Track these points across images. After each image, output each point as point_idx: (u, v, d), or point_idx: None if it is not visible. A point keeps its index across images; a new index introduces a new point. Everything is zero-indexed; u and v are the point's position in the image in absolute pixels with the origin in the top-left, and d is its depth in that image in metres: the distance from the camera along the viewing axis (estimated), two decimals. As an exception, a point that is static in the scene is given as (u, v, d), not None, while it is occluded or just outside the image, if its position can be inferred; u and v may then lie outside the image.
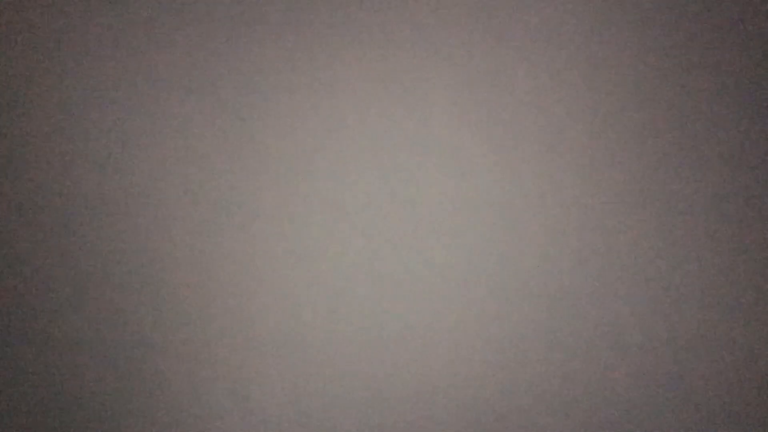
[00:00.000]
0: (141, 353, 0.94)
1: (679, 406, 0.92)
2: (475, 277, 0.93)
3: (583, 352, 0.92)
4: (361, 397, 0.94)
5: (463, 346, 0.93)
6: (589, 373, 0.92)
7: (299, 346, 0.94)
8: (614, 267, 0.92)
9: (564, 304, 0.93)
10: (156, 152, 0.95)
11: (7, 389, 0.95)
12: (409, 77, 0.94)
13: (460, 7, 0.94)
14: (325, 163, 0.94)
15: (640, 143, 0.93)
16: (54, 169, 0.95)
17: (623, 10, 0.93)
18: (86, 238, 0.95)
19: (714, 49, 0.92)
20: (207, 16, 0.95)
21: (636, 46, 0.93)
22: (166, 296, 0.94)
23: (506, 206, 0.93)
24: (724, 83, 0.92)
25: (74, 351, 0.95)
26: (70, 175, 0.95)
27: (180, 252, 0.94)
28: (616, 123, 0.93)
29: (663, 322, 0.92)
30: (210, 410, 0.94)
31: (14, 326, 0.95)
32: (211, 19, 0.95)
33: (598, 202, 0.93)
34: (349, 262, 0.94)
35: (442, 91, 0.94)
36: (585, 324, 0.92)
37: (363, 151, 0.94)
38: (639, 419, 0.92)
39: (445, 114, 0.94)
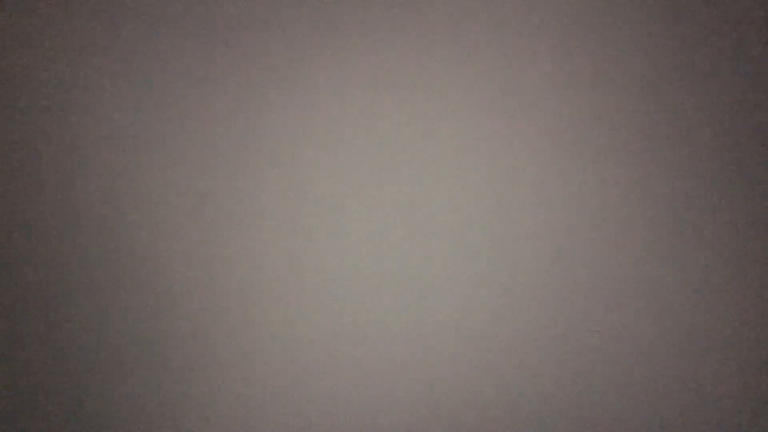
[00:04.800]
0: (142, 353, 0.94)
1: (679, 406, 0.92)
2: (475, 277, 0.93)
3: (583, 352, 0.93)
4: (361, 397, 0.94)
5: (464, 346, 0.93)
6: (590, 373, 0.93)
7: (301, 346, 0.94)
8: (615, 267, 0.93)
9: (564, 304, 0.93)
10: (157, 153, 0.95)
11: (7, 389, 0.95)
12: (410, 78, 0.94)
13: (462, 7, 0.94)
14: (327, 163, 0.94)
15: (642, 143, 0.93)
16: (56, 170, 0.95)
17: (625, 10, 0.93)
18: (88, 239, 0.95)
19: (714, 48, 0.93)
20: (209, 16, 0.95)
21: (637, 45, 0.93)
22: (167, 297, 0.94)
23: (507, 206, 0.93)
24: (724, 83, 0.92)
25: (75, 351, 0.95)
26: (72, 175, 0.95)
27: (181, 252, 0.94)
28: (617, 124, 0.93)
29: (664, 323, 0.92)
30: (210, 410, 0.94)
31: (15, 326, 0.95)
32: (213, 19, 0.95)
33: (600, 202, 0.93)
34: (350, 262, 0.94)
35: (444, 92, 0.94)
36: (586, 324, 0.93)
37: (365, 152, 0.94)
38: (640, 419, 0.92)
39: (447, 114, 0.94)
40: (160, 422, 0.94)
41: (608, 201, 0.93)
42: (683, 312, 0.92)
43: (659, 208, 0.93)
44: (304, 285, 0.94)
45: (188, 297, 0.94)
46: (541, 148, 0.93)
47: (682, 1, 0.93)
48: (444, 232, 0.94)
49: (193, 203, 0.95)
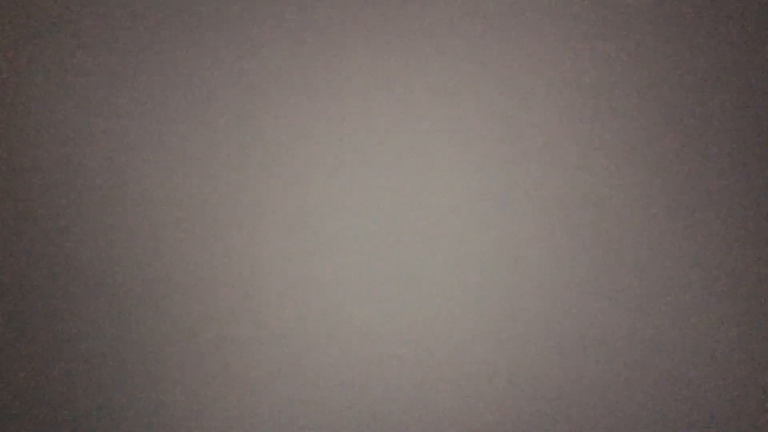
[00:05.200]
0: (142, 353, 0.94)
1: (679, 406, 0.92)
2: (476, 277, 0.93)
3: (584, 352, 0.92)
4: (361, 396, 0.94)
5: (464, 345, 0.93)
6: (590, 373, 0.92)
7: (301, 346, 0.94)
8: (616, 267, 0.92)
9: (565, 304, 0.93)
10: (158, 152, 0.95)
11: (7, 389, 0.95)
12: (410, 78, 0.94)
13: (462, 8, 0.94)
14: (327, 163, 0.94)
15: (643, 143, 0.93)
16: (57, 170, 0.96)
17: (624, 10, 0.93)
18: (89, 239, 0.95)
19: (715, 49, 0.92)
20: (209, 16, 0.95)
21: (637, 45, 0.93)
22: (168, 297, 0.94)
23: (508, 207, 0.93)
24: (723, 83, 0.92)
25: (76, 350, 0.95)
26: (73, 175, 0.95)
27: (182, 252, 0.95)
28: (617, 124, 0.93)
29: (664, 323, 0.92)
30: (211, 410, 0.94)
31: (15, 326, 0.95)
32: (213, 19, 0.95)
33: (600, 202, 0.93)
34: (351, 262, 0.94)
35: (444, 92, 0.94)
36: (586, 324, 0.92)
37: (365, 151, 0.94)
38: (640, 420, 0.92)
39: (447, 114, 0.94)
40: (159, 422, 0.95)
41: (609, 201, 0.93)
42: (684, 312, 0.92)
43: (660, 208, 0.92)
44: (304, 285, 0.94)
45: (188, 297, 0.94)
46: (542, 148, 0.93)
47: (682, 2, 0.93)
48: (444, 232, 0.94)
49: (193, 203, 0.95)
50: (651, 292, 0.92)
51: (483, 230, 0.93)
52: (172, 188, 0.95)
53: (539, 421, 0.93)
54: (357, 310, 0.94)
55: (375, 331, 0.94)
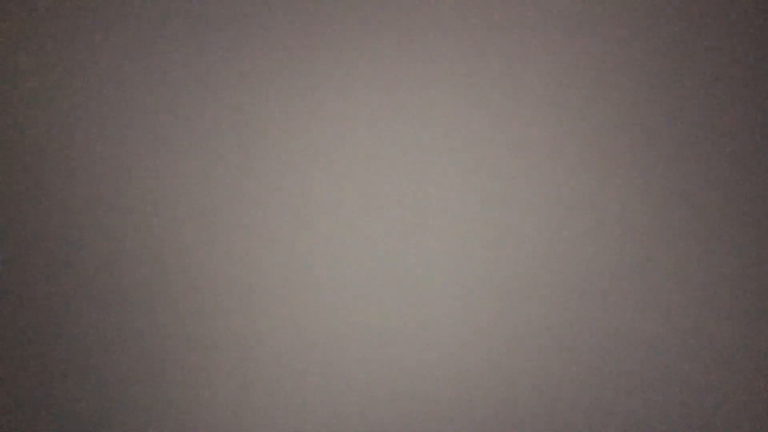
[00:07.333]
0: (142, 354, 0.94)
1: (679, 406, 0.92)
2: (475, 277, 0.93)
3: (583, 352, 0.93)
4: (361, 397, 0.94)
5: (464, 345, 0.93)
6: (590, 373, 0.93)
7: (301, 346, 0.94)
8: (616, 266, 0.93)
9: (565, 304, 0.93)
10: (157, 153, 0.95)
11: (7, 389, 0.95)
12: (411, 78, 0.94)
13: (463, 8, 0.94)
14: (327, 164, 0.94)
15: (642, 144, 0.93)
16: (56, 170, 0.95)
17: (624, 10, 0.93)
18: (88, 240, 0.95)
19: (715, 48, 0.93)
20: (210, 16, 0.95)
21: (637, 45, 0.93)
22: (167, 297, 0.94)
23: (507, 207, 0.93)
24: (723, 82, 0.92)
25: (76, 350, 0.95)
26: (73, 175, 0.95)
27: (181, 253, 0.95)
28: (617, 124, 0.93)
29: (665, 323, 0.92)
30: (210, 410, 0.94)
31: (15, 326, 0.95)
32: (213, 19, 0.95)
33: (600, 202, 0.93)
34: (350, 262, 0.94)
35: (445, 92, 0.94)
36: (586, 324, 0.93)
37: (365, 152, 0.94)
38: (640, 419, 0.92)
39: (448, 115, 0.94)
40: (159, 422, 0.95)
41: (608, 201, 0.93)
42: (683, 312, 0.92)
43: (659, 207, 0.93)
44: (304, 285, 0.94)
45: (188, 297, 0.94)
46: (542, 148, 0.93)
47: (683, 1, 0.93)
48: (444, 232, 0.94)
49: (194, 203, 0.95)
50: (651, 292, 0.92)
51: (483, 230, 0.93)
52: (172, 188, 0.95)
53: (539, 421, 0.93)
54: (357, 310, 0.94)
55: (375, 331, 0.94)
